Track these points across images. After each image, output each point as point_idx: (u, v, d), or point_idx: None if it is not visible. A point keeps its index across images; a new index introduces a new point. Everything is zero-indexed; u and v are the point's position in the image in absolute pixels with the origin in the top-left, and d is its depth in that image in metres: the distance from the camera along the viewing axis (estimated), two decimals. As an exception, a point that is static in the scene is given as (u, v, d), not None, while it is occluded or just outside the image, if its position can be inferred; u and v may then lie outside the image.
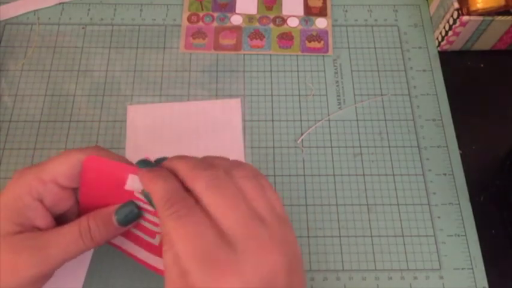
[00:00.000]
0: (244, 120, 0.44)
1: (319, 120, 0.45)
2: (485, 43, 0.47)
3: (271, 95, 0.46)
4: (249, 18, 0.49)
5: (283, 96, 0.46)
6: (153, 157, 0.33)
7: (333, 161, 0.43)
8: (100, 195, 0.31)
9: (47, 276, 0.29)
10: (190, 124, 0.44)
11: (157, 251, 0.31)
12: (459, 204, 0.41)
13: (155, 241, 0.31)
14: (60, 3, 0.50)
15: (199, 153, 0.42)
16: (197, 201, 0.25)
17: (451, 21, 0.45)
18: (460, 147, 0.43)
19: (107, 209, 0.30)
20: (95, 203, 0.31)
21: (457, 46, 0.48)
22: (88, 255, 0.38)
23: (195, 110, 0.44)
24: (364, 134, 0.44)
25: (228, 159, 0.28)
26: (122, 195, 0.30)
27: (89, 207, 0.31)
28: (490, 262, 0.39)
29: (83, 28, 0.48)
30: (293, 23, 0.49)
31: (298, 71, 0.47)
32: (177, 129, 0.43)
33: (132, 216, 0.30)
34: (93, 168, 0.30)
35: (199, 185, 0.25)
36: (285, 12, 0.50)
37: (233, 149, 0.43)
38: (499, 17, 0.43)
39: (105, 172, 0.30)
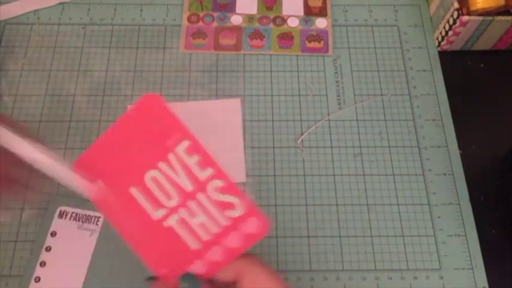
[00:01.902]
0: (244, 120, 0.44)
1: (319, 120, 0.45)
2: (485, 43, 0.47)
3: (271, 95, 0.46)
4: (249, 18, 0.49)
5: (283, 96, 0.46)
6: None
7: (333, 161, 0.43)
8: (129, 142, 0.28)
9: None
10: (190, 124, 0.43)
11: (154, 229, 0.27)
12: (459, 204, 0.41)
13: (156, 214, 0.27)
14: (60, 3, 0.50)
15: (199, 153, 0.42)
16: None
17: (451, 21, 0.45)
18: (460, 147, 0.43)
19: None
20: (118, 149, 0.28)
21: (457, 46, 0.48)
22: (88, 255, 0.38)
23: (195, 110, 0.44)
24: (364, 134, 0.44)
25: None
26: (155, 151, 0.27)
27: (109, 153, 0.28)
28: (490, 262, 0.39)
29: (83, 28, 0.48)
30: (293, 23, 0.49)
31: (298, 71, 0.47)
32: (177, 129, 0.43)
33: None
34: (148, 109, 0.27)
35: None
36: (285, 12, 0.50)
37: (233, 149, 0.42)
38: (499, 17, 0.43)
39: (155, 120, 0.27)
